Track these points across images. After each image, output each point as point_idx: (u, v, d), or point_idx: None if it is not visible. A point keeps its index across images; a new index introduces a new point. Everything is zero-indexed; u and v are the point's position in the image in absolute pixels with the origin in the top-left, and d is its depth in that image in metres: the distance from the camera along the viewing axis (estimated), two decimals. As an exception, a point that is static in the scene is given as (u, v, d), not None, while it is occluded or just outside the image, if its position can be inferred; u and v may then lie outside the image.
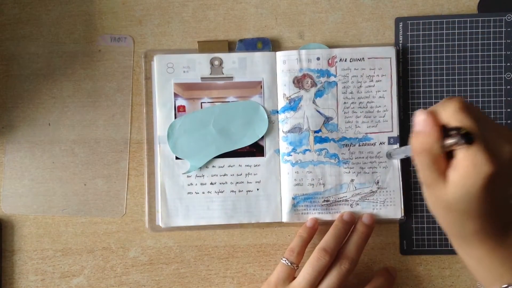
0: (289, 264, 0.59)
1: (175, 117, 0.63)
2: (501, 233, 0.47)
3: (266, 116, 0.63)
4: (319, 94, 0.62)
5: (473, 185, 0.44)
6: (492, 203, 0.45)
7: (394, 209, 0.62)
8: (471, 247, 0.49)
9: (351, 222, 0.61)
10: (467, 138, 0.43)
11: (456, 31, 0.63)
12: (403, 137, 0.63)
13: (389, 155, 0.62)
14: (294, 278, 0.59)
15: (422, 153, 0.46)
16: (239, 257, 0.64)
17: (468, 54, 0.63)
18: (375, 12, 0.64)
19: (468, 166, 0.44)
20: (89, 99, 0.64)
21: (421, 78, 0.63)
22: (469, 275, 0.63)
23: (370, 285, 0.60)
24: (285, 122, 0.62)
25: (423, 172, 0.47)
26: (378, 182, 0.62)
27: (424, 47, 0.63)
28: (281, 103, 0.63)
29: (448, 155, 0.46)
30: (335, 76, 0.62)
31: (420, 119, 0.47)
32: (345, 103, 0.62)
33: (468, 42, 0.63)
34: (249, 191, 0.63)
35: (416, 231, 0.63)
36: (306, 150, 0.62)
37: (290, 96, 0.62)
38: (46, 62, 0.64)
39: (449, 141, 0.44)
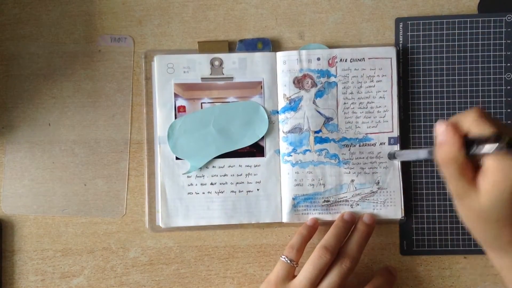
0: (289, 261, 0.59)
1: (175, 118, 0.63)
2: None
3: (266, 117, 0.63)
4: (319, 94, 0.62)
5: (505, 191, 0.44)
6: None
7: (394, 210, 0.62)
8: (508, 257, 0.48)
9: (352, 221, 0.61)
10: (509, 144, 0.43)
11: (456, 31, 0.63)
12: (404, 138, 0.63)
13: (393, 156, 0.62)
14: (294, 276, 0.59)
15: (448, 163, 0.46)
16: (239, 258, 0.64)
17: (468, 54, 0.63)
18: (375, 12, 0.64)
19: (498, 172, 0.44)
20: (89, 99, 0.64)
21: (421, 78, 0.63)
22: (469, 276, 0.64)
23: (371, 284, 0.60)
24: (285, 122, 0.62)
25: (452, 183, 0.47)
26: (378, 183, 0.62)
27: (424, 47, 0.63)
28: (281, 103, 0.63)
29: (475, 164, 0.47)
30: (335, 76, 0.62)
31: (441, 129, 0.47)
32: (345, 103, 0.62)
33: (468, 42, 0.63)
34: (249, 191, 0.63)
35: (416, 231, 0.64)
36: (306, 150, 0.62)
37: (290, 97, 0.62)
38: (46, 62, 0.64)
39: (480, 149, 0.44)
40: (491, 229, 0.47)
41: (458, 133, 0.46)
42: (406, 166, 0.63)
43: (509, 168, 0.44)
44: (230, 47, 0.63)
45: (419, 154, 0.56)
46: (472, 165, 0.46)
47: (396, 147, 0.62)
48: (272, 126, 0.63)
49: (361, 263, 0.63)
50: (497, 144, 0.43)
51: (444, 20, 0.63)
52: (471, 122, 0.46)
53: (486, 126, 0.45)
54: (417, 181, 0.63)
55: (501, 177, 0.44)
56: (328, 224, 0.61)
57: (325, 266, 0.57)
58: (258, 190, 0.63)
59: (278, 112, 0.63)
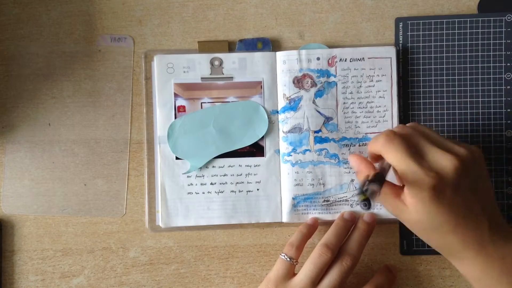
0: (288, 259, 0.58)
1: (175, 117, 0.63)
2: (486, 241, 0.49)
3: (266, 116, 0.63)
4: (319, 94, 0.62)
5: (424, 201, 0.48)
6: (458, 213, 0.49)
7: (394, 209, 0.62)
8: (466, 265, 0.51)
9: (352, 220, 0.61)
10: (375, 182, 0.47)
11: (456, 31, 0.63)
12: (403, 137, 0.63)
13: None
14: (294, 274, 0.58)
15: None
16: (239, 257, 0.64)
17: (468, 54, 0.63)
18: (375, 12, 0.64)
19: (410, 187, 0.49)
20: (89, 99, 0.64)
21: (421, 78, 0.63)
22: (469, 275, 0.64)
23: (371, 283, 0.60)
24: (285, 122, 0.62)
25: (384, 204, 0.53)
26: (378, 182, 0.62)
27: (424, 47, 0.63)
28: (281, 103, 0.63)
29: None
30: (335, 76, 0.62)
31: (352, 160, 0.56)
32: (345, 103, 0.62)
33: (468, 42, 0.63)
34: (249, 191, 0.63)
35: (416, 231, 0.63)
36: (306, 150, 0.62)
37: (290, 96, 0.62)
38: (46, 62, 0.64)
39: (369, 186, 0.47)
40: (436, 239, 0.51)
41: (363, 162, 0.54)
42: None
43: (418, 181, 0.48)
44: (230, 47, 0.63)
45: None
46: (394, 185, 0.52)
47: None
48: (272, 126, 0.63)
49: (361, 263, 0.63)
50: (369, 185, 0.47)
51: (444, 20, 0.63)
52: (379, 147, 0.51)
53: (390, 152, 0.51)
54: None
55: (415, 191, 0.48)
56: (328, 223, 0.61)
57: (325, 265, 0.57)
58: (258, 190, 0.63)
59: (278, 112, 0.63)
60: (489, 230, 0.50)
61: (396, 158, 0.50)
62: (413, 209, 0.49)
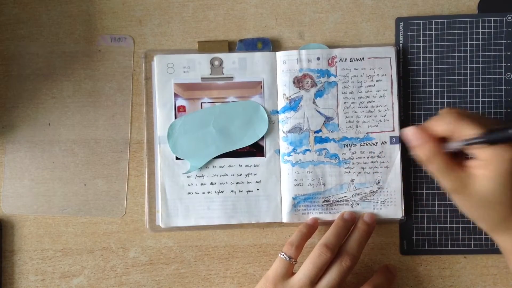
0: (287, 258, 0.58)
1: (175, 117, 0.63)
2: None
3: (266, 116, 0.63)
4: (319, 94, 0.62)
5: (501, 173, 0.48)
6: None
7: (394, 209, 0.62)
8: None
9: (352, 220, 0.61)
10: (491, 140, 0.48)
11: (457, 31, 0.63)
12: (403, 137, 0.63)
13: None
14: (293, 273, 0.58)
15: (431, 161, 0.51)
16: (239, 257, 0.64)
17: (468, 54, 0.63)
18: (375, 12, 0.64)
19: (491, 158, 0.48)
20: (89, 99, 0.64)
21: (421, 78, 0.63)
22: (469, 275, 0.64)
23: (370, 282, 0.60)
24: (285, 122, 0.62)
25: (445, 178, 0.51)
26: (378, 182, 0.62)
27: (425, 47, 0.63)
28: (281, 103, 0.63)
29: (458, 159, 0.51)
30: (335, 76, 0.62)
31: (411, 133, 0.53)
32: (345, 103, 0.62)
33: (468, 42, 0.63)
34: (249, 191, 0.63)
35: (416, 231, 0.63)
36: (306, 150, 0.62)
37: (290, 96, 0.62)
38: (46, 62, 0.64)
39: (458, 144, 0.48)
40: (495, 213, 0.50)
41: (429, 133, 0.52)
42: (407, 166, 0.63)
43: (500, 152, 0.48)
44: (230, 47, 0.63)
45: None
46: (455, 160, 0.51)
47: (398, 147, 0.62)
48: (272, 126, 0.63)
49: (361, 263, 0.63)
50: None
51: (444, 20, 0.63)
52: (447, 126, 0.50)
53: (467, 127, 0.50)
54: (417, 181, 0.63)
55: (495, 162, 0.48)
56: (328, 223, 0.61)
57: (325, 264, 0.57)
58: (258, 190, 0.63)
59: (278, 112, 0.63)
60: None
61: (474, 131, 0.49)
62: (485, 182, 0.49)
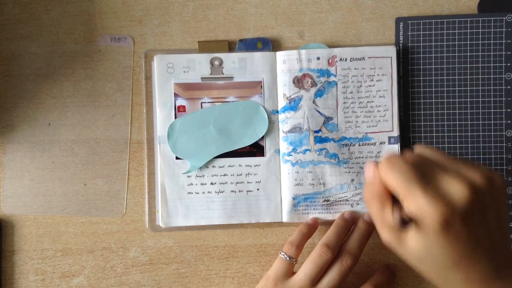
0: (288, 258, 0.58)
1: (175, 117, 0.63)
2: (491, 279, 0.44)
3: (266, 116, 0.63)
4: (319, 94, 0.62)
5: (428, 234, 0.43)
6: (464, 248, 0.43)
7: (394, 209, 0.62)
8: None
9: (352, 220, 0.61)
10: (403, 223, 0.44)
11: (457, 31, 0.63)
12: (404, 137, 0.63)
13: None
14: (293, 273, 0.58)
15: (372, 200, 0.47)
16: (239, 257, 0.64)
17: (468, 54, 0.63)
18: (375, 12, 0.64)
19: (418, 217, 0.43)
20: (89, 99, 0.64)
21: (421, 78, 0.63)
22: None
23: (371, 281, 0.60)
24: (285, 122, 0.62)
25: (379, 225, 0.47)
26: (378, 182, 0.62)
27: (425, 47, 0.63)
28: (281, 103, 0.63)
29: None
30: (335, 75, 0.62)
31: (368, 168, 0.48)
32: (345, 102, 0.62)
33: (468, 42, 0.63)
34: (249, 191, 0.63)
35: (416, 231, 0.63)
36: (306, 150, 0.62)
37: (290, 96, 0.62)
38: (46, 62, 0.64)
39: (396, 215, 0.45)
40: (435, 274, 0.46)
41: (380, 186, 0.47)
42: (406, 166, 0.63)
43: (427, 212, 0.42)
44: (230, 46, 0.63)
45: None
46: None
47: (397, 147, 0.62)
48: (272, 125, 0.63)
49: (361, 263, 0.63)
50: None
51: (444, 20, 0.63)
52: (381, 171, 0.46)
53: (391, 177, 0.45)
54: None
55: (422, 222, 0.43)
56: (329, 223, 0.61)
57: (325, 264, 0.57)
58: (258, 189, 0.63)
59: (278, 111, 0.63)
60: (496, 267, 0.44)
61: (398, 184, 0.44)
62: (413, 241, 0.44)
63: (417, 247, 0.44)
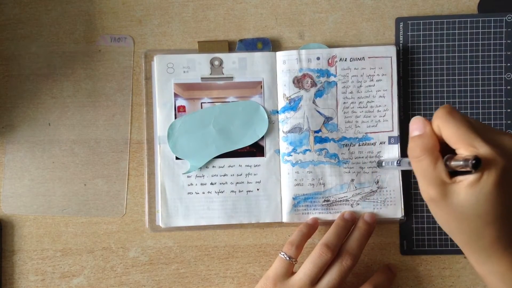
0: (287, 258, 0.58)
1: (175, 117, 0.63)
2: None
3: (266, 116, 0.63)
4: (319, 94, 0.62)
5: (485, 184, 0.42)
6: (510, 204, 0.43)
7: (394, 209, 0.62)
8: (491, 261, 0.46)
9: (352, 220, 0.61)
10: (476, 164, 0.41)
11: (457, 31, 0.63)
12: (404, 137, 0.63)
13: (380, 164, 0.62)
14: (293, 273, 0.58)
15: (423, 155, 0.45)
16: (239, 257, 0.64)
17: (468, 54, 0.63)
18: (375, 12, 0.64)
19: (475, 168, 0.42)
20: (89, 99, 0.64)
21: (421, 78, 0.63)
22: (469, 275, 0.63)
23: (371, 281, 0.60)
24: (285, 122, 0.62)
25: (427, 181, 0.45)
26: (378, 182, 0.62)
27: (425, 47, 0.63)
28: (281, 103, 0.63)
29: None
30: (335, 76, 0.62)
31: (419, 122, 0.46)
32: (345, 102, 0.62)
33: (468, 42, 0.63)
34: (249, 191, 0.63)
35: (416, 231, 0.63)
36: (306, 150, 0.62)
37: (290, 96, 0.62)
38: (46, 62, 0.64)
39: (455, 163, 0.43)
40: (472, 229, 0.45)
41: (433, 128, 0.46)
42: (406, 166, 0.63)
43: (487, 161, 0.42)
44: (230, 47, 0.63)
45: (403, 163, 0.56)
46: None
47: (397, 147, 0.62)
48: (272, 126, 0.63)
49: (361, 263, 0.63)
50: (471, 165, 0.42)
51: (444, 20, 0.63)
52: (440, 119, 0.45)
53: (451, 125, 0.44)
54: (417, 181, 0.63)
55: (487, 172, 0.42)
56: (329, 223, 0.61)
57: (325, 264, 0.57)
58: (258, 190, 0.63)
59: (278, 112, 0.63)
60: None
61: (459, 134, 0.43)
62: (463, 191, 0.43)
63: (466, 200, 0.43)
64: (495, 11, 0.63)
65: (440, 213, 0.46)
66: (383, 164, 0.61)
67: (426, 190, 0.45)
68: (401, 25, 0.63)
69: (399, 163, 0.57)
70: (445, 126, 0.44)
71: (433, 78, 0.63)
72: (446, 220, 0.46)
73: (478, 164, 0.42)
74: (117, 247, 0.64)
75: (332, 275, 0.57)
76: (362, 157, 0.62)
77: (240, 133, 0.63)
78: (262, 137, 0.63)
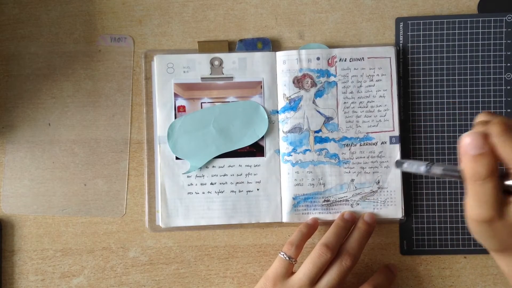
0: (287, 258, 0.58)
1: (175, 117, 0.63)
2: None
3: (266, 116, 0.63)
4: (319, 94, 0.62)
5: None
6: None
7: (394, 209, 0.62)
8: None
9: (352, 220, 0.61)
10: None
11: (456, 31, 0.63)
12: (404, 137, 0.63)
13: (400, 165, 0.58)
14: (292, 273, 0.58)
15: (489, 177, 0.41)
16: (239, 257, 0.64)
17: (468, 54, 0.63)
18: (375, 12, 0.64)
19: None
20: (89, 99, 0.64)
21: (421, 78, 0.63)
22: (469, 275, 0.63)
23: (371, 281, 0.60)
24: (285, 122, 0.62)
25: (483, 202, 0.42)
26: (378, 182, 0.62)
27: (425, 47, 0.63)
28: (281, 103, 0.63)
29: None
30: (335, 76, 0.62)
31: (477, 138, 0.42)
32: (345, 102, 0.62)
33: (468, 42, 0.63)
34: (249, 191, 0.63)
35: (416, 231, 0.63)
36: (306, 150, 0.62)
37: (290, 96, 0.62)
38: (46, 62, 0.64)
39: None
40: None
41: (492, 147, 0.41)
42: (406, 166, 0.63)
43: None
44: (230, 47, 0.63)
45: (430, 170, 0.53)
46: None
47: (398, 146, 0.62)
48: (272, 126, 0.63)
49: (361, 263, 0.63)
50: None
51: (444, 20, 0.63)
52: (497, 137, 0.41)
53: (510, 143, 0.40)
54: (417, 181, 0.63)
55: None
56: (328, 223, 0.61)
57: (325, 264, 0.57)
58: (258, 190, 0.63)
59: (278, 112, 0.63)
60: None
61: None
62: None
63: None
64: (495, 11, 0.63)
65: (492, 233, 0.43)
66: (405, 165, 0.54)
67: (479, 210, 0.42)
68: (401, 25, 0.63)
69: (428, 169, 0.49)
70: (503, 145, 0.41)
71: (433, 78, 0.63)
72: (500, 238, 0.43)
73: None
74: (117, 247, 0.64)
75: (331, 275, 0.57)
76: (363, 157, 0.62)
77: (240, 133, 0.63)
78: (262, 137, 0.63)
